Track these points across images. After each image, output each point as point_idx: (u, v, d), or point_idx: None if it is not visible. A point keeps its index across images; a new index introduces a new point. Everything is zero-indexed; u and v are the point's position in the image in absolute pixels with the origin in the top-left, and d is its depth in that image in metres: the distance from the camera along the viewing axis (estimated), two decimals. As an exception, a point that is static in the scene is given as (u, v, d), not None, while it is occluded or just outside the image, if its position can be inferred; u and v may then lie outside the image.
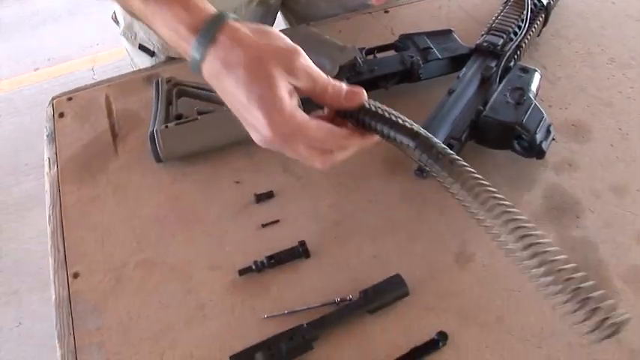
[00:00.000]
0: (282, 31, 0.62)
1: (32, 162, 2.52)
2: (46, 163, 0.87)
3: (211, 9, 0.60)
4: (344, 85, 0.60)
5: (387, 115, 0.60)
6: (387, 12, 1.06)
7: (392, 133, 0.59)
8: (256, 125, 0.57)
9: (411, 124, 0.60)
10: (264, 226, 0.76)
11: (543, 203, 0.76)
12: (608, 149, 0.83)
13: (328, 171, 0.63)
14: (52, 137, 0.90)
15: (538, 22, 0.93)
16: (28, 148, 2.58)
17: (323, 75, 0.59)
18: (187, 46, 0.59)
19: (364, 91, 0.60)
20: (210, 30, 0.57)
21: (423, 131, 0.59)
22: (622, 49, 0.97)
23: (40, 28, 3.28)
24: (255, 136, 0.59)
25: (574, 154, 0.82)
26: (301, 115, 0.57)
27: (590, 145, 0.83)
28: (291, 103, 0.57)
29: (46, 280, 0.76)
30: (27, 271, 2.18)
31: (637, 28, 1.01)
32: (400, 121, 0.60)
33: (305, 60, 0.58)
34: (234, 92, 0.57)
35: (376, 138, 0.62)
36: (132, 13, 0.66)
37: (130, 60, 1.14)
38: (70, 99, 0.95)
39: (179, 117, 0.83)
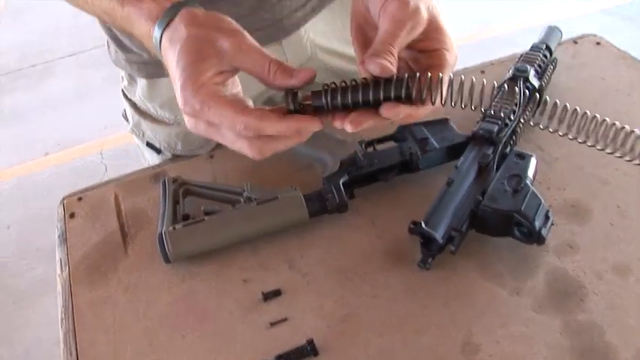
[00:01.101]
0: None
1: (43, 247, 2.54)
2: (58, 264, 0.89)
3: None
4: (288, 66, 0.59)
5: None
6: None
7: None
8: (176, 97, 0.59)
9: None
10: (272, 324, 0.77)
11: (546, 288, 0.77)
12: (609, 228, 0.83)
13: (261, 159, 0.62)
14: (64, 238, 0.92)
15: (532, 106, 0.95)
16: (39, 234, 2.61)
17: (265, 55, 0.60)
18: (151, 30, 0.62)
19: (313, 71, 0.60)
20: (167, 15, 0.61)
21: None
22: (615, 125, 0.99)
23: (50, 113, 3.37)
24: None
25: (574, 235, 0.83)
26: (212, 90, 0.58)
27: (590, 226, 0.84)
28: (209, 77, 0.58)
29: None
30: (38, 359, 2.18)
31: (627, 102, 1.03)
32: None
33: (246, 42, 0.60)
34: (169, 65, 0.60)
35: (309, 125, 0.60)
36: (101, 14, 0.70)
37: (140, 153, 1.18)
38: (80, 199, 0.98)
39: (186, 217, 0.85)
